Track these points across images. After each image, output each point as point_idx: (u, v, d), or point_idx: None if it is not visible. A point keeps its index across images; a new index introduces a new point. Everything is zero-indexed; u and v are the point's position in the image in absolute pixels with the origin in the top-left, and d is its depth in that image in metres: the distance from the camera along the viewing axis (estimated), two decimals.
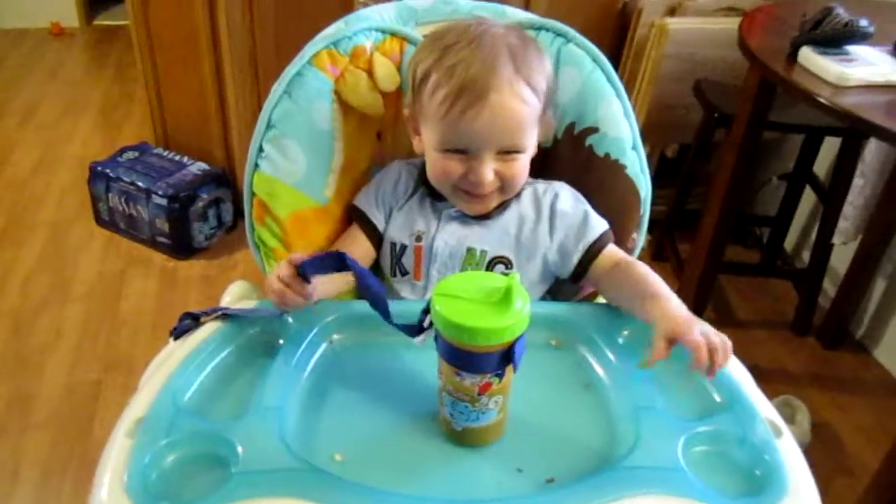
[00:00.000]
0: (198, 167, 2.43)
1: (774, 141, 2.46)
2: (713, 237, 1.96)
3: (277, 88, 0.99)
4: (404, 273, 1.00)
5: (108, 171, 2.40)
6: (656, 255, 2.39)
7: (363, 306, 0.90)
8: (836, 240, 2.07)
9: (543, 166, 1.06)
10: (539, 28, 1.05)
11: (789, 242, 2.46)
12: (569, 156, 1.05)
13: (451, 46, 0.89)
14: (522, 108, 0.89)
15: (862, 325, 2.19)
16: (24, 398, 1.85)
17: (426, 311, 0.71)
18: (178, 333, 0.84)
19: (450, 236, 0.98)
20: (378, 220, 1.01)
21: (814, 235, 2.16)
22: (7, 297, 2.19)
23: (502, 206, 0.99)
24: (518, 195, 0.99)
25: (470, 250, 0.98)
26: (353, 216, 1.03)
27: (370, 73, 1.01)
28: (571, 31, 1.04)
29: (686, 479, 0.67)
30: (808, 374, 2.08)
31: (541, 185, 1.01)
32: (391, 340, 0.81)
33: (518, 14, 1.08)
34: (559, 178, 1.04)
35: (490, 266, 0.97)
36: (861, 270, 2.06)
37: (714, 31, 2.15)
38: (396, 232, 1.01)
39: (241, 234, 2.48)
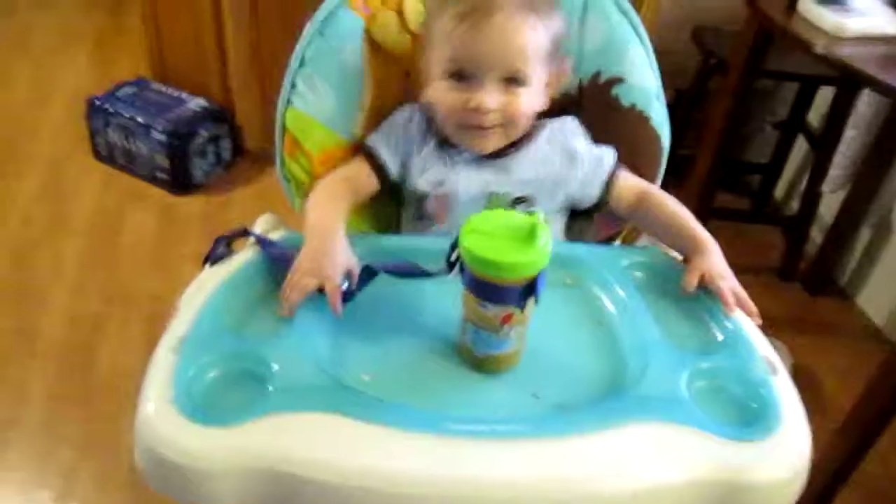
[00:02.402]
0: (196, 103, 2.43)
1: (769, 89, 2.49)
2: (704, 183, 2.01)
3: (310, 27, 1.00)
4: (423, 217, 1.03)
5: (106, 105, 2.39)
6: None
7: (391, 241, 0.96)
8: (825, 188, 2.12)
9: (567, 114, 1.06)
10: None
11: (779, 190, 2.51)
12: (594, 105, 1.06)
13: None
14: (527, 33, 0.90)
15: (846, 273, 2.25)
16: (28, 328, 1.89)
17: (454, 246, 0.75)
18: (214, 260, 0.87)
19: (470, 183, 0.99)
20: (391, 164, 1.01)
21: (804, 184, 2.21)
22: (7, 230, 2.21)
23: (517, 146, 0.99)
24: (532, 136, 1.00)
25: (492, 195, 0.99)
26: (364, 153, 1.02)
27: (400, 13, 1.02)
28: None
29: (688, 409, 0.72)
30: (791, 318, 2.15)
31: (554, 123, 1.02)
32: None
33: None
34: (583, 127, 1.05)
35: (512, 206, 0.99)
36: (848, 220, 2.12)
37: None
38: (417, 180, 1.01)
39: (238, 172, 2.52)
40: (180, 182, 2.39)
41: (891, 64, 1.38)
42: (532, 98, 0.94)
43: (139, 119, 2.34)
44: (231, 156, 2.53)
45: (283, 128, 1.04)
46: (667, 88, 2.57)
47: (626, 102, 1.05)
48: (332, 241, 0.86)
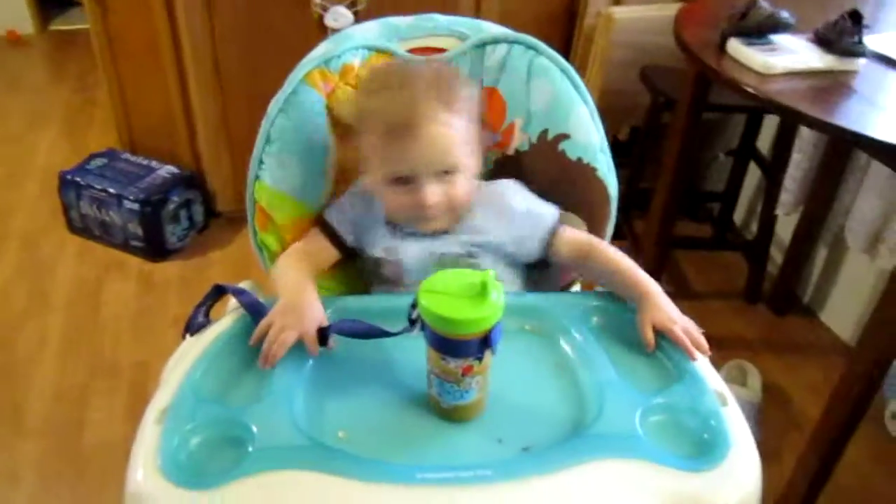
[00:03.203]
0: (167, 170, 2.49)
1: (720, 119, 2.59)
2: (663, 215, 2.07)
3: (274, 106, 1.07)
4: (385, 282, 1.09)
5: (77, 178, 2.44)
6: (614, 234, 2.50)
7: (358, 301, 1.01)
8: (779, 211, 2.21)
9: (520, 171, 1.15)
10: (512, 42, 1.13)
11: (738, 215, 2.60)
12: (543, 160, 1.13)
13: (377, 91, 0.99)
14: (448, 132, 0.97)
15: (808, 291, 2.33)
16: (15, 407, 1.91)
17: (413, 305, 0.81)
18: (193, 330, 0.93)
19: (416, 251, 1.06)
20: (345, 235, 1.09)
21: (760, 208, 2.30)
22: None
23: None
24: (470, 203, 1.06)
25: (441, 255, 1.06)
26: (320, 226, 1.10)
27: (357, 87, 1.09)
28: (542, 45, 1.13)
29: (643, 445, 0.77)
30: (760, 339, 2.22)
31: (488, 187, 1.09)
32: None
33: (493, 28, 1.15)
34: (535, 182, 1.13)
35: (456, 265, 1.04)
36: (804, 239, 2.19)
37: (657, 19, 2.25)
38: (372, 249, 1.09)
39: (213, 235, 2.57)
40: (155, 249, 2.44)
41: (818, 97, 1.46)
42: (467, 178, 1.02)
43: (111, 189, 2.39)
44: (204, 219, 2.58)
45: (254, 202, 1.10)
46: (622, 126, 2.68)
47: (572, 156, 1.12)
48: (306, 297, 0.94)
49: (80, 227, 2.53)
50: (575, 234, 1.08)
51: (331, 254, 1.09)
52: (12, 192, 2.78)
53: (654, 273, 2.21)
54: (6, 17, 3.91)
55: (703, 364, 0.89)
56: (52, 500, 1.69)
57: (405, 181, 0.99)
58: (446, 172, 0.99)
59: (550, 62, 1.12)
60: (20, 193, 2.77)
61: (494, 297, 0.77)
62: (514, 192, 1.09)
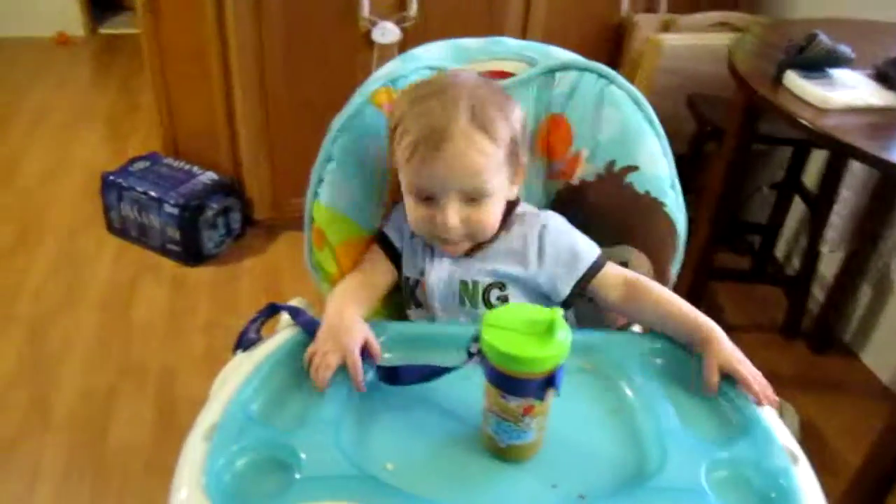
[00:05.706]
0: (207, 177, 2.51)
1: (765, 151, 2.55)
2: (704, 246, 2.04)
3: (337, 123, 1.05)
4: (419, 305, 1.07)
5: (120, 180, 2.47)
6: None
7: (412, 327, 1.00)
8: (823, 248, 2.16)
9: (583, 203, 1.11)
10: (583, 69, 1.09)
11: (780, 249, 2.55)
12: (609, 193, 1.09)
13: (421, 98, 0.95)
14: (477, 156, 0.92)
15: (849, 330, 2.27)
16: (42, 403, 1.92)
17: (475, 338, 0.78)
18: (245, 346, 0.92)
19: (441, 272, 1.03)
20: (398, 245, 1.07)
21: (803, 243, 2.25)
22: (21, 305, 2.25)
23: (487, 242, 1.03)
24: (504, 230, 1.03)
25: (462, 283, 1.03)
26: (379, 242, 1.08)
27: None
28: (613, 73, 1.09)
29: (709, 502, 0.73)
30: (796, 376, 2.17)
31: (529, 216, 1.05)
32: (437, 360, 0.86)
33: (563, 54, 1.12)
34: (599, 214, 1.09)
35: (486, 293, 1.03)
36: (848, 277, 2.15)
37: (706, 47, 2.23)
38: (406, 268, 1.07)
39: (248, 242, 2.58)
40: (191, 253, 2.45)
41: (876, 134, 1.43)
42: (495, 205, 0.98)
43: (152, 193, 2.41)
44: (241, 227, 2.58)
45: (311, 219, 1.08)
46: None
47: (640, 189, 1.07)
48: (345, 318, 0.92)
49: (118, 228, 2.55)
50: (618, 275, 1.02)
51: (389, 270, 1.07)
52: (54, 189, 2.82)
53: (691, 303, 2.19)
54: (58, 20, 3.99)
55: (771, 417, 0.85)
56: (71, 498, 1.69)
57: (429, 197, 0.96)
58: (473, 198, 0.96)
59: (623, 92, 1.08)
60: (62, 190, 2.81)
61: (561, 337, 0.74)
62: (553, 227, 1.04)
